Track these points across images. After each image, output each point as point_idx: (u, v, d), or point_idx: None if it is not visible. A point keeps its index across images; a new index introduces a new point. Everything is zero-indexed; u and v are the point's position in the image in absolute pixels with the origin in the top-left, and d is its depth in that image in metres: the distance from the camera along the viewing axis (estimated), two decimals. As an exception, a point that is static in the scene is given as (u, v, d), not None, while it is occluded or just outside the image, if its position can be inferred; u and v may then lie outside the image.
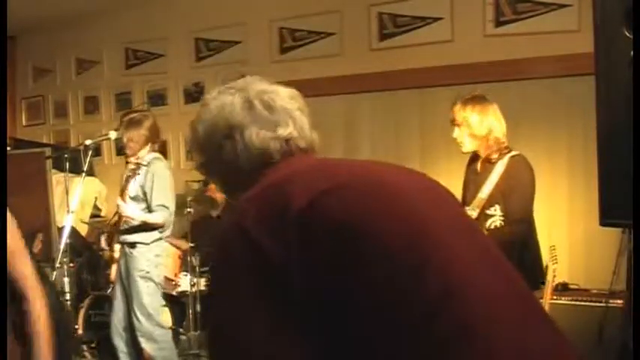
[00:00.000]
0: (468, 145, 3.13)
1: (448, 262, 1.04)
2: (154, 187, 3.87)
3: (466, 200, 3.15)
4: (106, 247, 4.09)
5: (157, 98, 6.20)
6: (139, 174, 3.83)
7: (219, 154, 1.30)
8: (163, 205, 3.90)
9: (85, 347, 4.56)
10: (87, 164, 4.00)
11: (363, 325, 0.98)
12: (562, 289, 3.99)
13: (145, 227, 3.91)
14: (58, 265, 3.93)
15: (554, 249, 3.74)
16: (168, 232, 4.08)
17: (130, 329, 3.94)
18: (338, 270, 1.01)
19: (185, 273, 4.72)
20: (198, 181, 5.63)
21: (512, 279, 1.12)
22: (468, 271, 1.04)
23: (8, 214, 1.95)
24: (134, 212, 3.88)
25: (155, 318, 3.96)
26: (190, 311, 4.62)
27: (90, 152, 4.06)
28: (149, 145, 3.96)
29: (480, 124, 3.06)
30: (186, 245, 4.78)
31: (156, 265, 3.98)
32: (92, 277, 5.11)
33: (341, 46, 5.29)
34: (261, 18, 5.60)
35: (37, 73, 7.11)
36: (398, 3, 5.01)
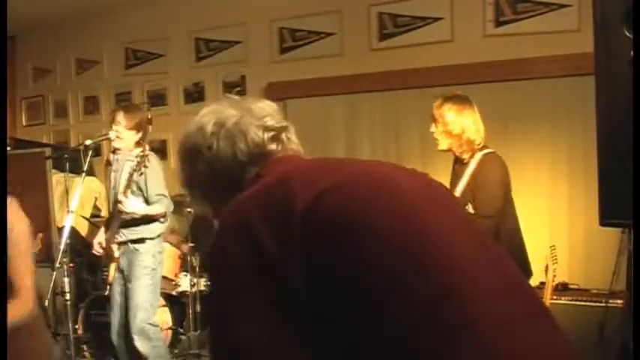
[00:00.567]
0: (442, 143, 3.22)
1: (448, 260, 1.04)
2: (148, 179, 3.84)
3: None
4: (100, 251, 4.06)
5: (157, 98, 6.20)
6: (146, 167, 3.75)
7: (198, 165, 1.35)
8: (162, 195, 3.88)
9: (85, 347, 4.56)
10: (87, 164, 3.99)
11: (365, 326, 0.98)
12: (562, 289, 4.00)
13: (147, 220, 3.89)
14: (58, 265, 3.92)
15: (554, 249, 3.75)
16: (167, 223, 4.07)
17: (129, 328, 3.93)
18: (339, 270, 1.01)
19: (185, 273, 4.72)
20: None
21: (510, 274, 1.12)
22: (467, 269, 1.04)
23: (23, 215, 1.96)
24: (137, 207, 3.86)
25: (152, 316, 3.95)
26: (190, 311, 4.62)
27: (90, 152, 4.05)
28: (138, 135, 3.93)
29: (453, 123, 3.14)
30: (185, 245, 4.78)
31: (160, 262, 3.99)
32: (92, 277, 5.11)
33: (341, 46, 5.29)
34: (261, 18, 5.60)
35: (37, 73, 7.10)
36: (398, 3, 5.01)
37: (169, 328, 4.50)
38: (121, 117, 3.89)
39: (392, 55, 5.02)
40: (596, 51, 1.94)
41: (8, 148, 4.63)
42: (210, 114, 1.34)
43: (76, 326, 4.47)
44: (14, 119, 7.15)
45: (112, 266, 4.07)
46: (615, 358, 3.06)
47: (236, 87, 5.78)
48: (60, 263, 3.93)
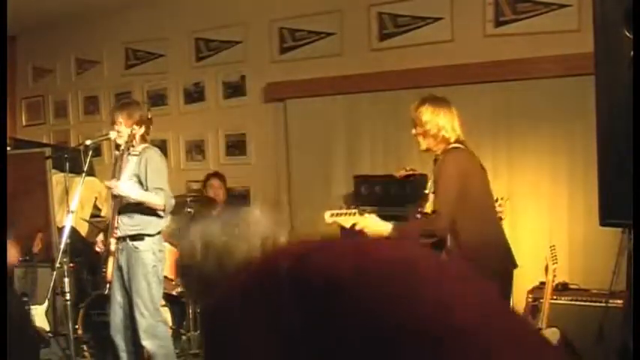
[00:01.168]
0: (422, 143, 3.21)
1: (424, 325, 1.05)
2: (148, 171, 3.79)
3: None
4: (102, 248, 4.04)
5: (157, 98, 6.19)
6: (135, 153, 3.73)
7: None
8: (160, 188, 3.82)
9: (85, 347, 4.56)
10: (87, 164, 3.98)
11: None
12: (562, 289, 3.99)
13: (146, 211, 3.83)
14: (58, 265, 3.92)
15: (554, 249, 3.75)
16: (168, 220, 4.07)
17: (132, 327, 3.90)
18: (316, 329, 1.06)
19: (185, 273, 4.71)
20: (198, 181, 5.64)
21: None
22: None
23: None
24: (130, 190, 3.78)
25: (160, 314, 3.93)
26: (190, 311, 4.62)
27: (90, 152, 4.04)
28: (141, 130, 3.92)
29: (430, 123, 3.13)
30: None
31: (160, 260, 3.94)
32: (92, 277, 5.10)
33: (341, 46, 5.28)
34: (261, 18, 5.60)
35: (37, 73, 7.10)
36: (398, 3, 5.01)
37: (169, 328, 4.50)
38: (120, 116, 3.89)
39: (392, 55, 5.02)
40: (596, 51, 1.94)
41: (8, 148, 4.64)
42: None
43: (76, 326, 4.47)
44: (14, 119, 7.15)
45: (110, 264, 4.04)
46: (615, 359, 3.07)
47: (236, 87, 5.78)
48: (60, 263, 3.93)
